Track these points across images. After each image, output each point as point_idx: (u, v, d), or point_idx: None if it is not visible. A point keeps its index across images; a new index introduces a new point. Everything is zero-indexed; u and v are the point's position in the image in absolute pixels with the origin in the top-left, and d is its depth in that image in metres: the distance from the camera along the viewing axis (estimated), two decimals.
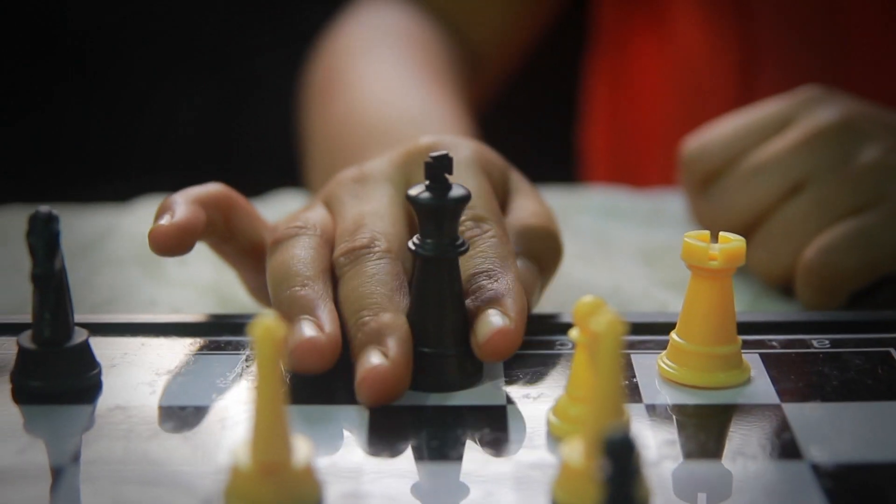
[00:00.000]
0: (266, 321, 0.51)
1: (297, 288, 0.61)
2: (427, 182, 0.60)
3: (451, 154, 0.60)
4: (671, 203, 0.90)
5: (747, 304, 0.75)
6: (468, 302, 0.61)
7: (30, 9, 1.58)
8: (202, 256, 0.78)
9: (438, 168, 0.60)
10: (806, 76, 0.91)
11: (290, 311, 0.61)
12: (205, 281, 0.80)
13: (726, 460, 0.55)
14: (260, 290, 0.71)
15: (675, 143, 0.84)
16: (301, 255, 0.63)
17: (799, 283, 0.73)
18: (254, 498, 0.51)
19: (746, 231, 0.76)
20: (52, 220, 0.59)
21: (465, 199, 0.60)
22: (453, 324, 0.60)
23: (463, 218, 0.64)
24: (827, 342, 0.65)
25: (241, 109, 1.60)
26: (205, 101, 1.60)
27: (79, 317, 0.63)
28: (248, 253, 0.69)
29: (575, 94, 1.25)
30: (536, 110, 1.36)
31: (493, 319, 0.59)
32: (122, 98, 1.62)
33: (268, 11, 1.57)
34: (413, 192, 0.60)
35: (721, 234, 0.62)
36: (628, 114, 1.12)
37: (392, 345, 0.59)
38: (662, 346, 0.63)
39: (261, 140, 1.57)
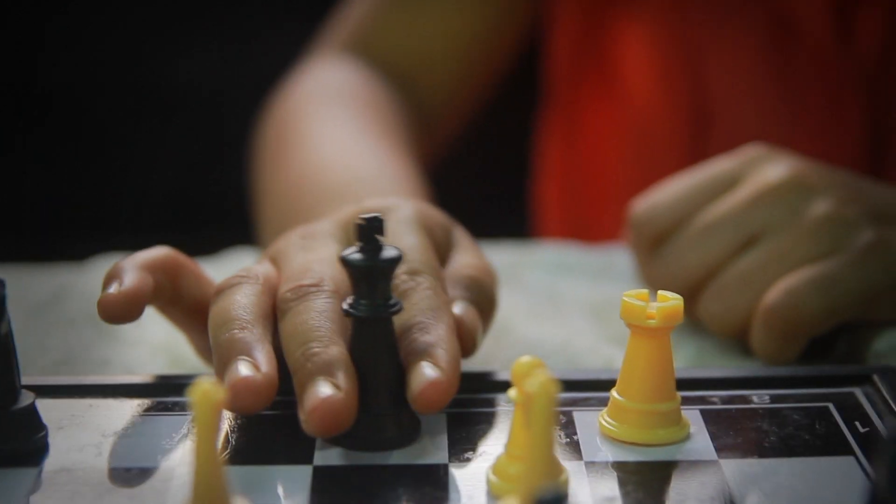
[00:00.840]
0: (204, 385, 0.51)
1: (236, 331, 0.62)
2: (359, 243, 0.61)
3: (390, 214, 0.61)
4: (622, 258, 0.91)
5: (690, 360, 0.76)
6: (403, 356, 0.62)
7: None
8: (155, 315, 0.78)
9: (370, 229, 0.61)
10: (756, 133, 0.92)
11: (228, 354, 0.61)
12: (157, 340, 0.80)
13: None
14: (207, 351, 0.72)
15: (627, 199, 0.85)
16: (240, 300, 0.64)
17: (757, 328, 0.73)
18: None
19: (698, 287, 0.76)
20: None
21: (396, 259, 0.61)
22: (389, 382, 0.61)
23: (398, 271, 0.65)
24: (767, 398, 0.66)
25: (199, 167, 1.61)
26: (162, 160, 1.61)
27: (27, 379, 0.63)
28: (195, 314, 0.70)
29: (528, 149, 1.26)
30: (490, 165, 1.37)
31: (426, 371, 0.60)
32: (78, 156, 1.62)
33: (229, 68, 1.59)
34: (345, 253, 0.61)
35: (660, 292, 0.62)
36: (581, 169, 1.13)
37: (342, 376, 0.59)
38: (605, 402, 0.64)
39: (218, 198, 1.58)
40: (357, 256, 0.61)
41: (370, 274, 0.61)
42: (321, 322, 0.62)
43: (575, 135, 1.13)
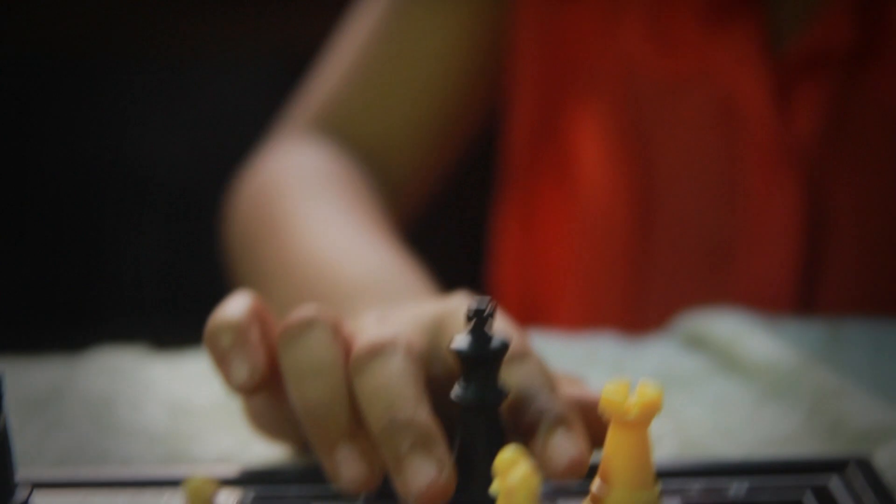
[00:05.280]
0: (198, 480, 0.53)
1: (410, 415, 0.60)
2: (469, 332, 0.63)
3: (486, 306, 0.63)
4: (602, 346, 0.93)
5: (670, 449, 0.78)
6: (524, 424, 0.63)
7: None
8: (155, 398, 0.79)
9: (483, 316, 0.63)
10: (697, 217, 0.95)
11: (401, 444, 0.59)
12: (156, 429, 0.81)
13: None
14: (264, 417, 0.70)
15: (583, 285, 0.87)
16: (397, 371, 0.62)
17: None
18: None
19: None
20: None
21: (506, 345, 0.63)
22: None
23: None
24: (744, 487, 0.68)
25: (186, 248, 1.62)
26: (157, 245, 1.62)
27: (23, 470, 0.65)
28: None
29: (484, 235, 1.27)
30: (445, 248, 1.38)
31: (565, 445, 0.61)
32: (63, 243, 1.64)
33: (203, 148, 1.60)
34: (455, 343, 0.63)
35: (640, 384, 0.64)
36: (537, 254, 1.15)
37: (441, 452, 0.60)
38: (586, 492, 0.65)
39: (214, 283, 1.60)
40: (469, 344, 0.63)
41: (482, 361, 0.63)
42: (406, 385, 0.62)
43: (531, 219, 1.14)
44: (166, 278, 1.62)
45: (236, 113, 1.63)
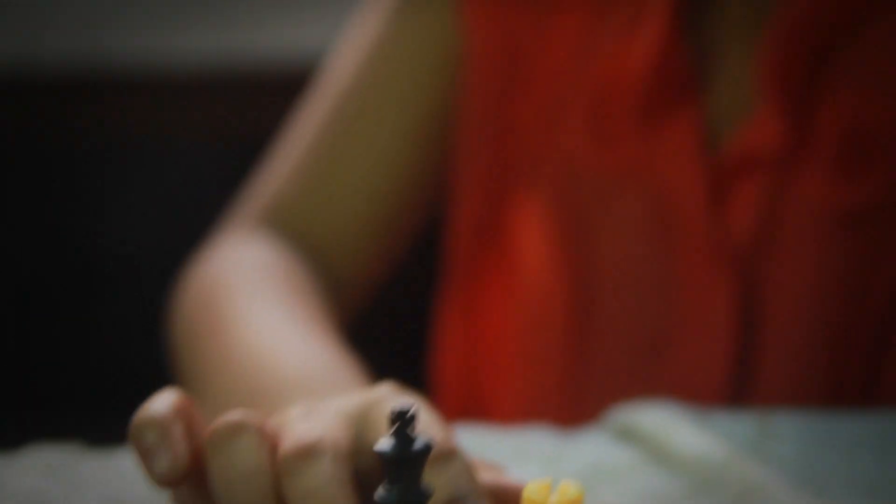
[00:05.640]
0: None
1: None
2: (392, 433, 0.64)
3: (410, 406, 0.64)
4: (535, 440, 0.94)
5: None
6: None
7: None
8: (89, 495, 0.79)
9: (405, 419, 0.64)
10: (633, 312, 0.96)
11: None
12: None
13: None
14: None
15: (525, 378, 0.87)
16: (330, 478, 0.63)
17: None
18: None
19: None
20: None
21: (429, 447, 0.64)
22: None
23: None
24: None
25: (128, 342, 1.61)
26: (90, 336, 1.62)
27: None
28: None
29: (426, 326, 1.28)
30: (389, 341, 1.39)
31: None
32: (7, 331, 1.63)
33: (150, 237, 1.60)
34: (379, 445, 0.64)
35: (562, 483, 0.65)
36: (480, 345, 1.16)
37: None
38: None
39: (149, 371, 1.59)
40: (393, 446, 0.64)
41: (406, 463, 0.64)
42: (334, 489, 0.63)
43: (473, 310, 1.15)
44: (105, 372, 1.62)
45: (189, 200, 1.63)
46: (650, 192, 1.04)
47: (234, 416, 0.66)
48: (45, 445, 0.90)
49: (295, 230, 1.12)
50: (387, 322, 1.41)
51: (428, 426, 0.69)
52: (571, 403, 1.08)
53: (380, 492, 0.64)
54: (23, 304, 1.65)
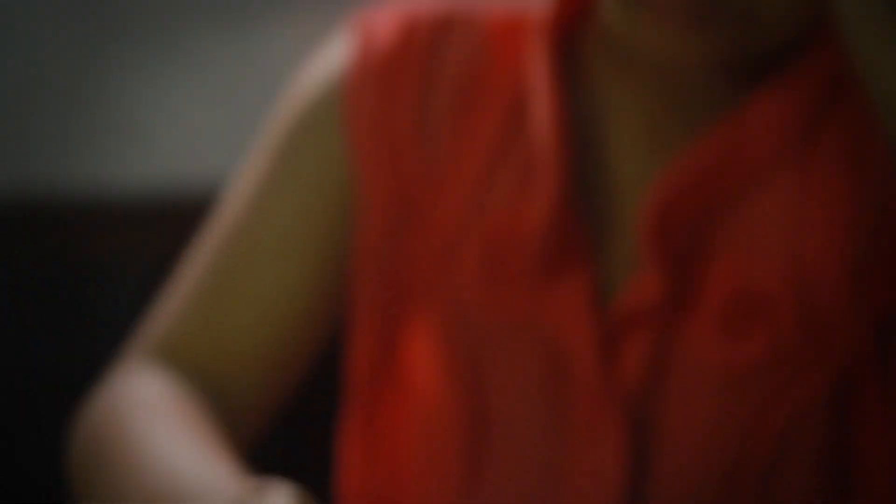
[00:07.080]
0: None
1: None
2: None
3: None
4: None
5: None
6: None
7: None
8: None
9: None
10: (527, 450, 0.98)
11: None
12: None
13: None
14: None
15: (425, 501, 0.88)
16: None
17: None
18: None
19: None
20: None
21: None
22: None
23: None
24: None
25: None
26: None
27: None
28: None
29: (331, 442, 1.27)
30: (290, 463, 1.38)
31: None
32: None
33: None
34: None
35: None
36: (379, 469, 1.15)
37: None
38: None
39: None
40: None
41: None
42: None
43: (373, 433, 1.15)
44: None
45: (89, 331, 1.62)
46: (542, 340, 1.05)
47: None
48: None
49: (189, 363, 1.12)
50: (294, 444, 1.40)
51: None
52: None
53: None
54: None
